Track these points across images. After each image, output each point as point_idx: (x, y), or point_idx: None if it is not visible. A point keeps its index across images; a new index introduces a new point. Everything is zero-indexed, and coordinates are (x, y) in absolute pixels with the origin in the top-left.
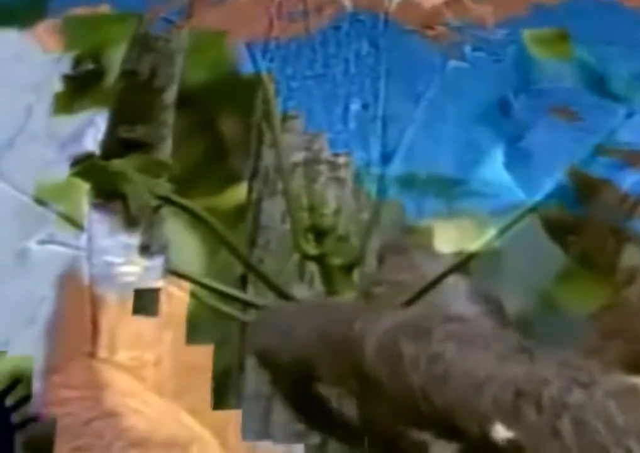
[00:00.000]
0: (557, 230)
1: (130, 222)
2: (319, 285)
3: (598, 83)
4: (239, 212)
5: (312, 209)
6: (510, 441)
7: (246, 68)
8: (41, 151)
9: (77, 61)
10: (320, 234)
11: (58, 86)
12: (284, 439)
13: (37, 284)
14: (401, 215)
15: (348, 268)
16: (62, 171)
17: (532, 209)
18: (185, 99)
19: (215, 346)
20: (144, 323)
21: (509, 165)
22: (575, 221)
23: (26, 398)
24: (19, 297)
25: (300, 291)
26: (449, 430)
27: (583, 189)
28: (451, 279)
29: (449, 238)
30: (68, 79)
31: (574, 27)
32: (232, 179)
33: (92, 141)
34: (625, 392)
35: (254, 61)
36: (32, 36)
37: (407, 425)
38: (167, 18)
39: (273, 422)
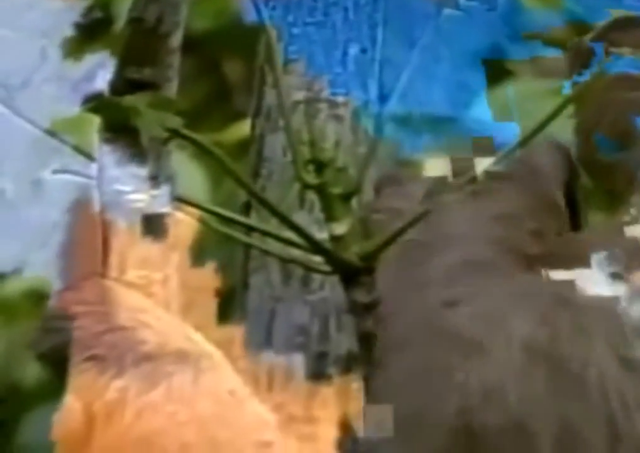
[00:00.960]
0: (590, 167)
1: (139, 154)
2: (318, 212)
3: (585, 31)
4: (243, 146)
5: (312, 143)
6: None
7: (250, 16)
8: (54, 90)
9: (87, 11)
10: (320, 165)
11: (69, 32)
12: (285, 350)
13: (51, 210)
14: (396, 150)
15: (346, 197)
16: (74, 108)
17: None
18: (191, 45)
19: (221, 267)
20: (151, 245)
21: None
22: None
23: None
24: (35, 223)
25: (300, 217)
26: None
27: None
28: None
29: (439, 170)
30: (78, 26)
31: None
32: (236, 116)
33: (103, 82)
34: None
35: (257, 9)
36: None
37: None
38: None
39: (275, 334)
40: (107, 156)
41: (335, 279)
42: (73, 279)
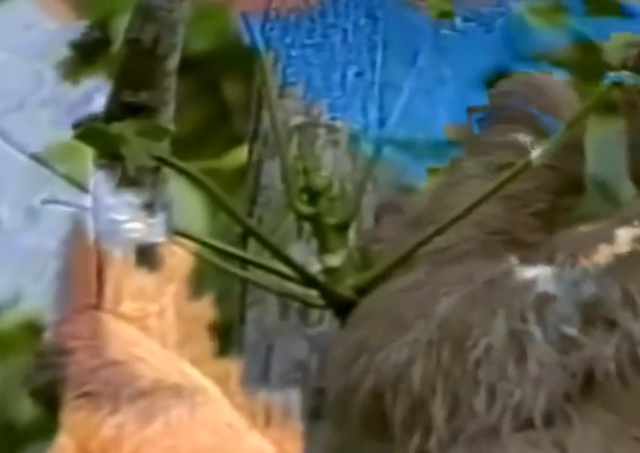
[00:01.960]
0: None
1: (132, 182)
2: (315, 243)
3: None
4: (242, 173)
5: (306, 170)
6: None
7: (248, 38)
8: (50, 114)
9: (85, 32)
10: (314, 194)
11: (66, 53)
12: (282, 386)
13: (47, 239)
14: (397, 175)
15: (342, 227)
16: (69, 133)
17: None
18: (190, 65)
19: (218, 299)
20: (147, 277)
21: None
22: None
23: None
24: (30, 252)
25: (298, 248)
26: None
27: None
28: None
29: None
30: (76, 47)
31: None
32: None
33: (100, 106)
34: None
35: (254, 31)
36: (41, 4)
37: None
38: None
39: (272, 369)
40: (102, 184)
41: None
42: (68, 311)
